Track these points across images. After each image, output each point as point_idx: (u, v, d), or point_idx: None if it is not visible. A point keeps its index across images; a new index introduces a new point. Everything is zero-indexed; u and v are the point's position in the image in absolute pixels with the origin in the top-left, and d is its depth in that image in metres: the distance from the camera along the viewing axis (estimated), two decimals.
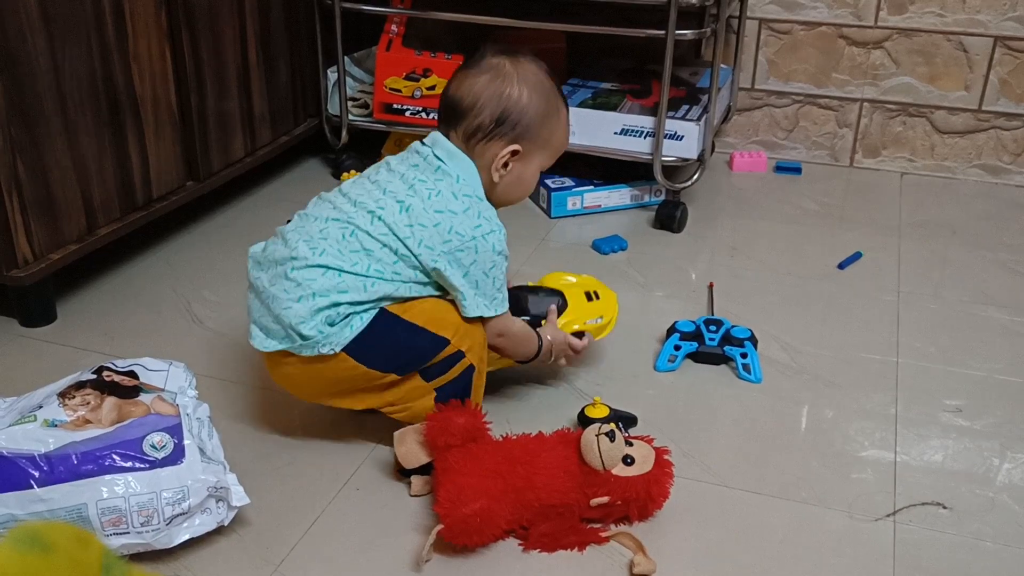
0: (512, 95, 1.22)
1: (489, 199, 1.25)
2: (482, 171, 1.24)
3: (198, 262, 1.84)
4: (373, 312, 1.18)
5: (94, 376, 1.17)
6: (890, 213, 2.10)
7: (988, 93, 2.16)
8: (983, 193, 2.21)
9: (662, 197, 2.04)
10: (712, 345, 1.52)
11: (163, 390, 1.18)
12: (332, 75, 2.18)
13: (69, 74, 1.52)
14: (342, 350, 1.17)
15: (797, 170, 2.30)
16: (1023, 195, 2.20)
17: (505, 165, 1.24)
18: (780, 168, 2.31)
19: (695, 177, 1.99)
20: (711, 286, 1.75)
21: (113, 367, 1.19)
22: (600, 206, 2.06)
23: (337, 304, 1.16)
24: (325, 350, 1.17)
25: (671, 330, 1.56)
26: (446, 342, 1.21)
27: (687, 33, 1.85)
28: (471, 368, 1.24)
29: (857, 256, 1.87)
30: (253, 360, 1.52)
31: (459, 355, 1.22)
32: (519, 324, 1.31)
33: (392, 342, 1.19)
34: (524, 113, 1.22)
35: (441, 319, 1.21)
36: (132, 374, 1.19)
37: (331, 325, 1.17)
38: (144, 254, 1.85)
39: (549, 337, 1.35)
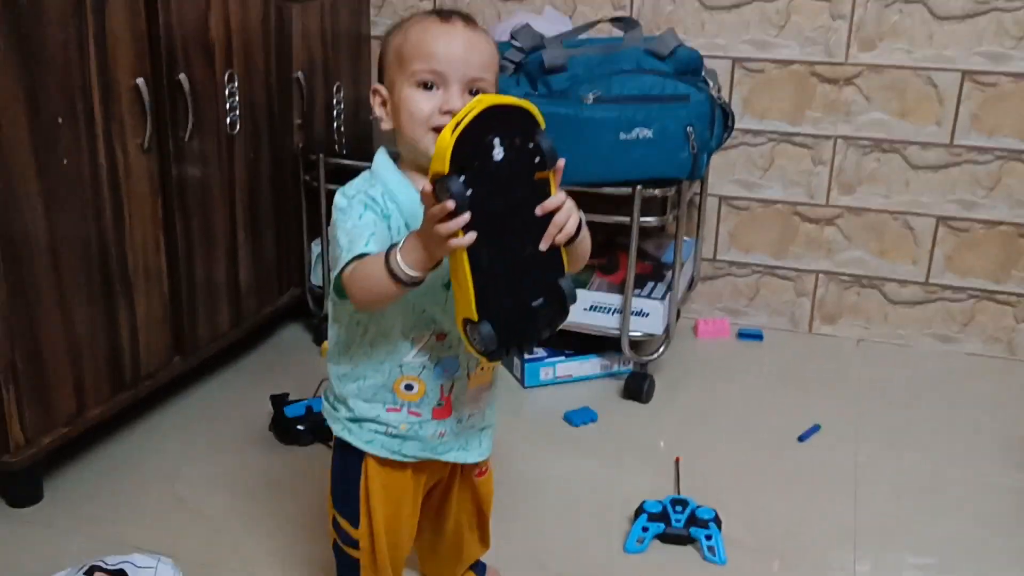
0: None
1: (408, 149, 1.12)
2: (396, 135, 1.14)
3: (180, 437, 1.89)
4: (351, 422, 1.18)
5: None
6: (847, 379, 2.20)
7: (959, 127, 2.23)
8: (935, 360, 2.32)
9: (631, 366, 2.13)
10: (678, 527, 1.59)
11: None
12: (316, 248, 2.29)
13: (66, 261, 1.60)
14: (335, 436, 1.20)
15: (759, 337, 2.41)
16: (973, 362, 2.31)
17: (383, 104, 1.14)
18: (743, 335, 2.42)
19: (661, 350, 2.09)
20: (677, 461, 1.83)
21: (103, 566, 1.24)
22: (572, 375, 2.15)
23: (336, 378, 1.19)
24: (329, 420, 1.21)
25: (639, 510, 1.63)
26: (356, 520, 1.20)
27: (651, 220, 1.98)
28: (355, 563, 1.22)
29: (816, 429, 1.96)
30: (235, 544, 1.56)
31: (352, 541, 1.21)
32: (364, 268, 1.05)
33: (344, 477, 1.20)
34: (383, 56, 1.15)
35: (375, 507, 1.19)
36: (122, 572, 1.23)
37: (332, 406, 1.20)
38: (128, 428, 1.90)
39: (403, 253, 1.01)
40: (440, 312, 1.12)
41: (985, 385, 2.20)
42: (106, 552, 1.41)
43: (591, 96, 1.86)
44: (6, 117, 1.45)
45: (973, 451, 1.91)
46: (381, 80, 1.15)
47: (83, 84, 1.58)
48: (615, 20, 2.10)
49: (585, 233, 1.09)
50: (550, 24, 2.23)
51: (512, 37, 2.07)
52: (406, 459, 1.18)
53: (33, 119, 1.49)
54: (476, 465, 1.27)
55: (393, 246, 1.02)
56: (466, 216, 0.93)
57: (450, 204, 0.92)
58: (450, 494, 1.29)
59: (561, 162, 1.00)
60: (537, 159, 0.97)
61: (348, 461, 1.19)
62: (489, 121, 0.94)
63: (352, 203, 1.09)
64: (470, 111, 0.93)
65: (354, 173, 1.16)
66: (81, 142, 1.59)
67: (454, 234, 0.94)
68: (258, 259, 2.14)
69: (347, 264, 1.05)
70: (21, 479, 1.62)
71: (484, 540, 1.38)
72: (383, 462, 1.18)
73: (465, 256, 0.95)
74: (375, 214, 1.09)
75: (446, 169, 0.92)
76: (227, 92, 1.92)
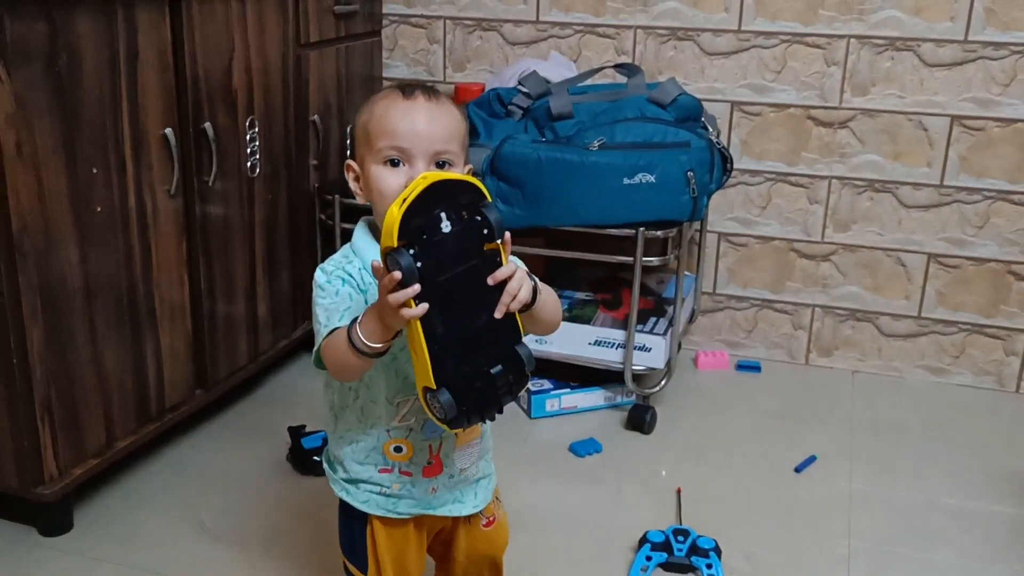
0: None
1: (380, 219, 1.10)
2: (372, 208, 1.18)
3: (203, 466, 1.97)
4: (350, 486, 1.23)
5: None
6: (842, 411, 2.28)
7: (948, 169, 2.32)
8: (927, 392, 2.40)
9: (633, 398, 2.21)
10: (680, 556, 1.66)
11: None
12: None
13: (98, 301, 1.69)
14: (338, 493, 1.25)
15: (757, 368, 2.49)
16: (964, 394, 2.39)
17: (356, 179, 1.18)
18: (741, 366, 2.50)
19: (663, 383, 2.17)
20: (679, 491, 1.91)
21: None
22: (576, 407, 2.23)
23: (332, 440, 1.25)
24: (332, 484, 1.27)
25: (642, 540, 1.70)
26: (365, 568, 1.25)
27: (653, 260, 2.06)
28: None
29: (812, 459, 2.04)
30: (256, 571, 1.64)
31: None
32: (332, 340, 1.11)
33: (349, 531, 1.26)
34: (353, 133, 1.20)
35: (383, 557, 1.23)
36: None
37: (330, 467, 1.26)
38: (153, 459, 1.98)
39: (361, 325, 1.06)
40: None
41: (975, 416, 2.28)
42: None
43: (596, 143, 1.96)
44: (46, 170, 1.54)
45: (964, 481, 1.99)
46: (353, 156, 1.20)
47: (116, 136, 1.67)
48: (618, 66, 2.20)
49: (547, 297, 1.14)
50: (556, 69, 2.33)
51: (520, 83, 2.16)
52: (402, 516, 1.22)
53: (70, 170, 1.59)
54: (480, 515, 1.29)
55: (355, 320, 1.06)
56: (416, 287, 0.97)
57: (397, 275, 0.97)
58: (454, 541, 1.30)
59: (507, 235, 1.04)
60: (485, 231, 1.02)
61: (351, 519, 1.24)
62: (436, 196, 0.99)
63: (330, 279, 1.14)
64: (415, 188, 0.98)
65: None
66: (113, 190, 1.68)
67: (406, 304, 0.98)
68: (275, 295, 2.23)
69: (324, 338, 1.11)
70: (54, 510, 1.70)
71: None
72: (382, 519, 1.22)
73: (419, 326, 0.99)
74: (352, 288, 1.14)
75: (395, 244, 0.97)
76: (248, 137, 2.01)
